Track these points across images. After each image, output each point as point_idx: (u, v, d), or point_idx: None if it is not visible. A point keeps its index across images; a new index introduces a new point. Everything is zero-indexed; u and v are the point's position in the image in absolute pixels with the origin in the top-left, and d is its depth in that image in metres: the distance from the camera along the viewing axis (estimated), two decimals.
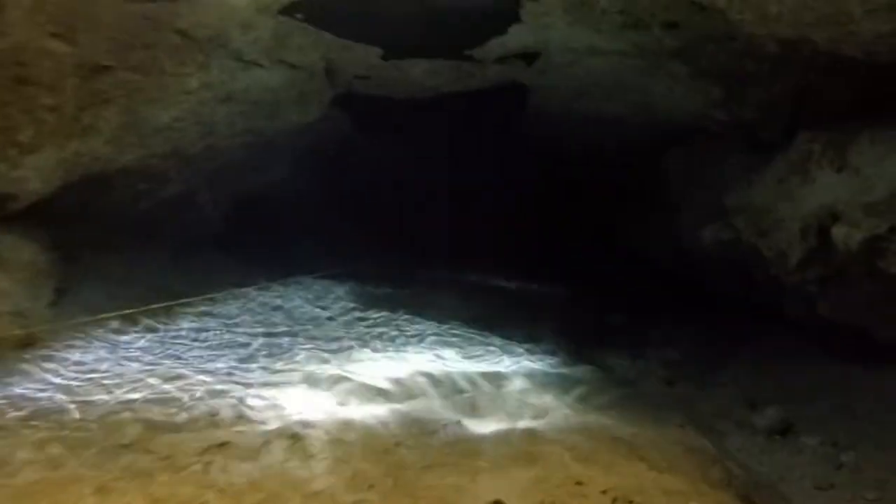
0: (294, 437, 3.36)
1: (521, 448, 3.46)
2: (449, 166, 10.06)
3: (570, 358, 5.90)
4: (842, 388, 4.80)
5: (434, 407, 4.09)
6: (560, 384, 4.87)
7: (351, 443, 3.38)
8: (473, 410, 4.09)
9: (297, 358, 4.95)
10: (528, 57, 6.18)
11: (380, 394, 4.21)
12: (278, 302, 7.07)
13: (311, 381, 4.37)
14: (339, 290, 7.99)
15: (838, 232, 3.87)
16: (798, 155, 4.69)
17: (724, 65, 5.10)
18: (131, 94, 5.13)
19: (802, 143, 4.68)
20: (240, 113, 6.46)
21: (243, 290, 7.20)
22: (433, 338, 5.97)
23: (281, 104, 6.64)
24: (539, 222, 11.26)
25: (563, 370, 5.41)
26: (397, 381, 4.46)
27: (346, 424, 3.60)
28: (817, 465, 3.88)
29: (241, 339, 5.43)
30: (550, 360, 5.68)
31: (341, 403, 3.99)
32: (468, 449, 3.43)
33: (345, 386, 4.27)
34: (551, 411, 4.15)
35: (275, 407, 3.82)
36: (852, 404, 4.64)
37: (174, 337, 5.39)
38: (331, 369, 4.66)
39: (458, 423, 3.79)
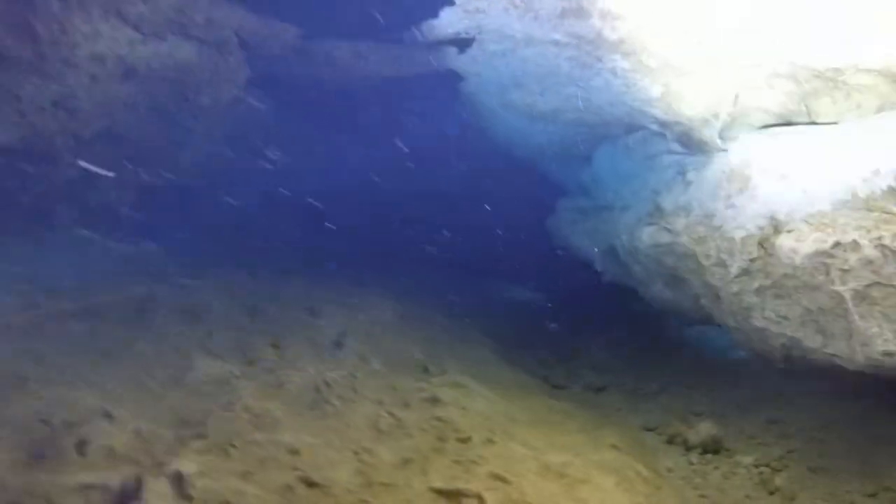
0: None
1: None
2: (377, 155, 9.60)
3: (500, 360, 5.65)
4: (774, 402, 4.67)
5: None
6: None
7: None
8: None
9: None
10: (461, 43, 5.80)
11: None
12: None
13: None
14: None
15: (783, 243, 3.65)
16: (739, 159, 4.47)
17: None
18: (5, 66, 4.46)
19: (744, 147, 4.46)
20: (143, 92, 5.82)
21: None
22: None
23: (190, 83, 6.03)
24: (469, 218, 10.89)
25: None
26: None
27: None
28: (752, 489, 3.68)
29: None
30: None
31: None
32: None
33: None
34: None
35: None
36: (785, 419, 4.50)
37: None
38: None
39: None
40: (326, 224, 9.16)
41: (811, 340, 4.11)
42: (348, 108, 8.64)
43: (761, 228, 4.07)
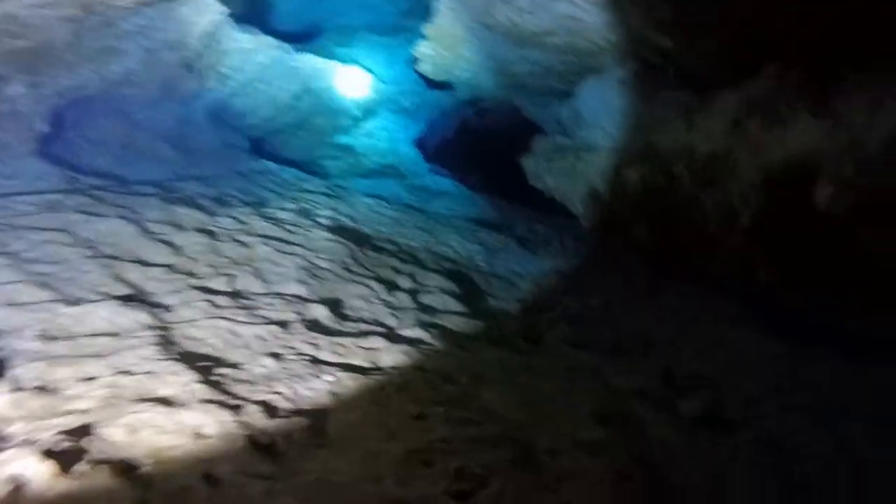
0: None
1: None
2: None
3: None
4: (774, 369, 4.18)
5: None
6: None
7: None
8: None
9: None
10: None
11: None
12: None
13: None
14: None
15: (822, 191, 3.06)
16: (761, 92, 3.83)
17: None
18: None
19: (768, 77, 3.82)
20: None
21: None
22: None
23: None
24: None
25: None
26: None
27: None
28: (759, 473, 3.18)
29: None
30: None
31: None
32: None
33: None
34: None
35: None
36: (784, 388, 4.03)
37: None
38: None
39: None
40: None
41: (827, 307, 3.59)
42: None
43: (787, 172, 3.47)
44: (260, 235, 5.68)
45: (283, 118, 10.05)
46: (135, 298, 3.96)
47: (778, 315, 4.56)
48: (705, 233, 4.30)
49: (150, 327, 3.58)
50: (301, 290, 4.61)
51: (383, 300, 4.76)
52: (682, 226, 4.78)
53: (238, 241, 5.42)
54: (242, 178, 8.34)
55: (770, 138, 3.60)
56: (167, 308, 3.93)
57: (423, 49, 7.88)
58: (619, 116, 5.99)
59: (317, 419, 2.84)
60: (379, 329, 4.15)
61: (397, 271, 5.55)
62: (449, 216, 8.73)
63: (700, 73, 5.12)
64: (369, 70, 10.90)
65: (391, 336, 4.04)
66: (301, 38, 9.76)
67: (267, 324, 3.93)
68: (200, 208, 6.20)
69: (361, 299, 4.71)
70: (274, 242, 5.53)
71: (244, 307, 4.16)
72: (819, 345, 4.37)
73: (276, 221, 6.20)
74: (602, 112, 6.59)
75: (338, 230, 6.29)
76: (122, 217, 5.40)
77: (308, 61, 9.25)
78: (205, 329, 3.69)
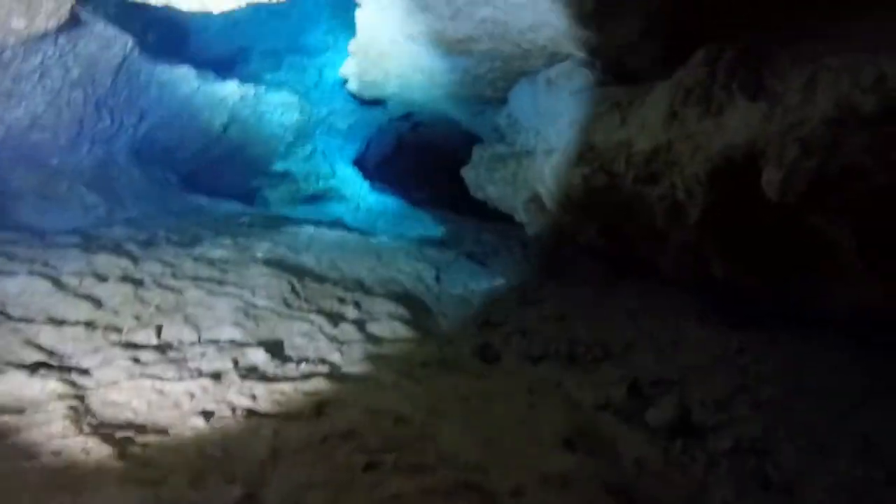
0: None
1: None
2: None
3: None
4: (738, 366, 4.04)
5: None
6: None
7: None
8: None
9: None
10: None
11: None
12: None
13: None
14: None
15: (769, 177, 2.90)
16: (694, 79, 3.69)
17: None
18: None
19: (699, 64, 3.68)
20: None
21: None
22: None
23: None
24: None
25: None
26: None
27: None
28: (740, 483, 3.00)
29: None
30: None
31: None
32: None
33: None
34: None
35: None
36: (750, 385, 3.88)
37: None
38: None
39: None
40: None
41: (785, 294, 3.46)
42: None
43: (731, 160, 3.32)
44: (191, 278, 5.30)
45: (214, 150, 9.64)
46: (47, 365, 3.57)
47: (734, 306, 4.44)
48: (654, 230, 4.14)
49: (63, 396, 3.21)
50: (236, 334, 4.28)
51: (327, 335, 4.46)
52: (630, 223, 4.63)
53: (167, 286, 5.04)
54: (174, 216, 7.90)
55: (709, 127, 3.46)
56: (85, 372, 3.56)
57: (349, 67, 7.63)
58: (553, 118, 5.84)
59: (253, 485, 2.54)
60: (323, 369, 3.86)
61: (342, 301, 5.25)
62: (394, 236, 8.47)
63: (631, 66, 5.00)
64: (299, 93, 10.59)
65: (336, 375, 3.75)
66: (224, 65, 9.39)
67: (199, 377, 3.59)
68: (126, 254, 5.77)
69: (303, 336, 4.41)
70: (206, 284, 5.16)
71: (173, 360, 3.81)
72: (776, 330, 4.26)
73: (210, 261, 5.83)
74: (536, 115, 6.45)
75: (276, 264, 5.95)
76: (35, 273, 4.96)
77: (234, 89, 8.88)
78: (127, 391, 3.34)
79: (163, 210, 8.11)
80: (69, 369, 3.55)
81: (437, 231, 8.92)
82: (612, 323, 5.04)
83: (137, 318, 4.41)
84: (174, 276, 5.28)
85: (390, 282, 6.10)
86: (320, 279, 5.78)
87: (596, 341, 4.78)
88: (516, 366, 4.60)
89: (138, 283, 5.04)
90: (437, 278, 6.50)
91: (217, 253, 6.17)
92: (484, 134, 8.72)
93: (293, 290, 5.33)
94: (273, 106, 9.81)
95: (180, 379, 3.53)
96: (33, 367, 3.46)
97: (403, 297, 5.63)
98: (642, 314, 4.98)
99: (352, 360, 4.05)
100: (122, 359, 3.74)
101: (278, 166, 11.12)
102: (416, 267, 6.68)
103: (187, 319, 4.44)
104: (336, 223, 8.69)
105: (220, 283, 5.26)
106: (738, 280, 3.87)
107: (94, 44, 6.01)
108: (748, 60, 3.33)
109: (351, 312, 5.01)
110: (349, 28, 7.63)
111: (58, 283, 4.82)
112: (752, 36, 3.63)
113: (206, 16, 5.69)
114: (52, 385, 3.29)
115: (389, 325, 4.82)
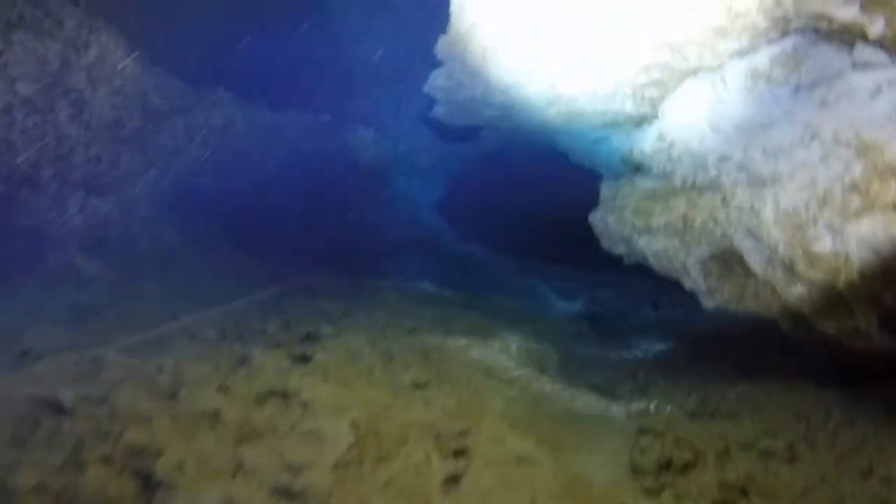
0: None
1: None
2: None
3: None
4: None
5: None
6: None
7: None
8: None
9: None
10: None
11: None
12: None
13: None
14: None
15: None
16: None
17: None
18: None
19: None
20: None
21: None
22: None
23: None
24: None
25: None
26: None
27: None
28: None
29: None
30: None
31: None
32: None
33: None
34: None
35: None
36: None
37: None
38: None
39: None
40: None
41: None
42: None
43: None
44: None
45: (274, 194, 7.90)
46: None
47: None
48: None
49: None
50: None
51: None
52: None
53: None
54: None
55: None
56: None
57: (436, 81, 5.77)
58: (761, 130, 3.71)
59: None
60: None
61: None
62: (494, 301, 6.50)
63: None
64: (374, 128, 8.84)
65: None
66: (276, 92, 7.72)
67: None
68: None
69: None
70: None
71: None
72: None
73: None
74: (716, 130, 4.32)
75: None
76: None
77: (293, 121, 7.19)
78: None
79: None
80: None
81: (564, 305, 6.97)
82: None
83: None
84: None
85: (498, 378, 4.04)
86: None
87: None
88: None
89: None
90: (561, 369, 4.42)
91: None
92: (603, 167, 6.62)
93: None
94: (343, 141, 8.07)
95: None
96: None
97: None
98: None
99: None
100: None
101: (351, 213, 9.33)
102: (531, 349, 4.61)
103: None
104: (421, 287, 6.76)
105: None
106: None
107: None
108: None
109: None
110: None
111: None
112: None
113: None
114: None
115: None
